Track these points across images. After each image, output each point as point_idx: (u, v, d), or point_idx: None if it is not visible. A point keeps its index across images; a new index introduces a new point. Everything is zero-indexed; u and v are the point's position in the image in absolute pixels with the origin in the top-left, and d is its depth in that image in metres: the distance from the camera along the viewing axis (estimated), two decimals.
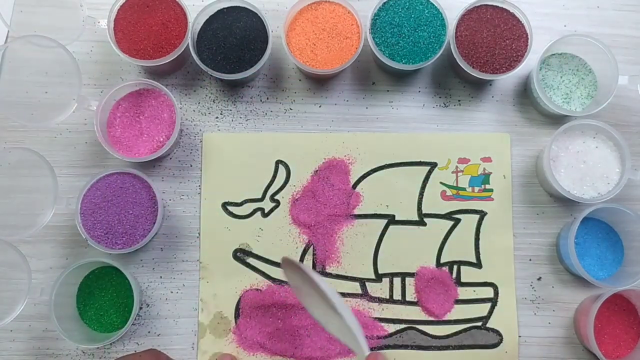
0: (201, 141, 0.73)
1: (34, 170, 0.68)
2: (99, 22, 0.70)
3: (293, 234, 0.71)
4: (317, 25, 0.70)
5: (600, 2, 0.76)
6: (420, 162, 0.72)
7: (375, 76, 0.75)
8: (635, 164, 0.72)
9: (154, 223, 0.68)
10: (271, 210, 0.72)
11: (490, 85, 0.75)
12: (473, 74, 0.69)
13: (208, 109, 0.74)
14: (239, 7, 0.71)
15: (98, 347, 0.69)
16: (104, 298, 0.69)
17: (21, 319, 0.68)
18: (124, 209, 0.68)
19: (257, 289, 0.70)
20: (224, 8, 0.71)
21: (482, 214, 0.72)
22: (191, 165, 0.73)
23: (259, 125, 0.74)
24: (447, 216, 0.72)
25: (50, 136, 0.73)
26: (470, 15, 0.70)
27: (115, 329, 0.69)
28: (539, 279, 0.71)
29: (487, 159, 0.72)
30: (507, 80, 0.75)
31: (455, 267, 0.71)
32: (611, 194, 0.68)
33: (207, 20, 0.71)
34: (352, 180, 0.72)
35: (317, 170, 0.72)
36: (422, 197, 0.72)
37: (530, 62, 0.70)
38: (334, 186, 0.72)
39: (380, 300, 0.70)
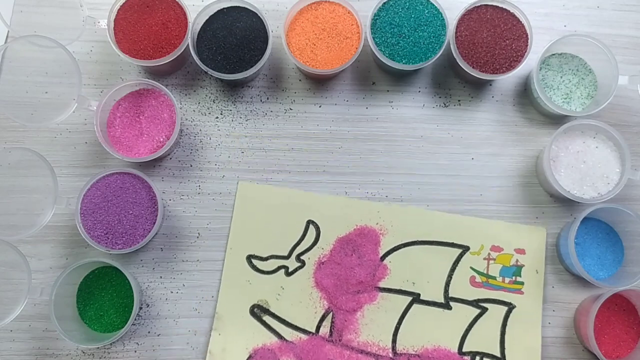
0: (235, 189, 0.71)
1: (34, 170, 0.68)
2: (99, 22, 0.70)
3: (314, 298, 0.69)
4: (317, 25, 0.70)
5: (600, 2, 0.76)
6: (452, 243, 0.70)
7: (375, 76, 0.75)
8: (635, 164, 0.72)
9: (154, 223, 0.68)
10: (295, 270, 0.70)
11: (490, 85, 0.75)
12: (473, 74, 0.69)
13: (208, 109, 0.74)
14: (239, 7, 0.71)
15: (98, 347, 0.69)
16: (104, 298, 0.69)
17: (21, 319, 0.68)
18: (124, 209, 0.68)
19: (268, 349, 0.68)
20: (224, 8, 0.71)
21: (510, 307, 0.69)
22: (191, 165, 0.73)
23: (259, 125, 0.74)
24: (474, 303, 0.69)
25: (50, 136, 0.73)
26: (470, 15, 0.70)
27: (115, 329, 0.69)
28: None
29: (520, 251, 0.70)
30: (507, 80, 0.75)
31: (477, 357, 0.68)
32: (611, 194, 0.68)
33: (207, 20, 0.71)
34: (382, 252, 0.70)
35: (347, 236, 0.70)
36: (450, 280, 0.69)
37: (530, 62, 0.70)
38: (362, 255, 0.70)
39: None
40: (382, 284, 0.69)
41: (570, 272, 0.71)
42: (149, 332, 0.70)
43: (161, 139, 0.70)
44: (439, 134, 0.74)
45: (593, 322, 0.64)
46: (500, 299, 0.69)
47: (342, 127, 0.74)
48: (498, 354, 0.68)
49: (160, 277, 0.71)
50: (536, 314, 0.69)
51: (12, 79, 0.73)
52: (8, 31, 0.74)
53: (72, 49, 0.69)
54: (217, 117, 0.74)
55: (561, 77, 0.72)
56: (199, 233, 0.72)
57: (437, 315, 0.69)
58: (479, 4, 0.70)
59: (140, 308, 0.70)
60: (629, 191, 0.72)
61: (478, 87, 0.75)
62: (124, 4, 0.71)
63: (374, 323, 0.69)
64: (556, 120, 0.74)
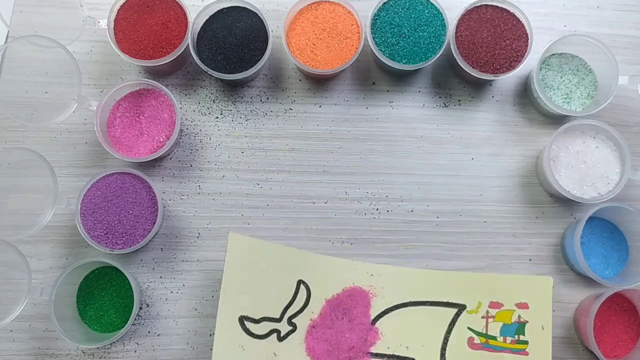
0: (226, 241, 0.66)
1: (34, 170, 0.68)
2: (99, 22, 0.70)
3: None
4: (317, 25, 0.70)
5: (600, 2, 0.76)
6: (447, 302, 0.65)
7: (375, 76, 0.75)
8: (635, 164, 0.72)
9: (154, 223, 0.68)
10: (287, 334, 0.64)
11: (490, 85, 0.75)
12: (473, 74, 0.69)
13: (208, 109, 0.74)
14: (239, 7, 0.71)
15: (98, 347, 0.69)
16: (104, 298, 0.69)
17: (21, 319, 0.68)
18: (124, 209, 0.68)
19: None
20: (224, 8, 0.71)
21: None
22: (191, 165, 0.73)
23: (259, 125, 0.74)
24: None
25: (50, 136, 0.73)
26: (470, 15, 0.70)
27: (115, 329, 0.69)
28: None
29: (523, 305, 0.64)
30: (507, 80, 0.75)
31: None
32: (611, 194, 0.68)
33: (207, 20, 0.71)
34: (373, 315, 0.65)
35: (337, 298, 0.66)
36: (446, 343, 0.64)
37: (530, 62, 0.70)
38: (352, 318, 0.65)
39: None
40: (373, 349, 0.65)
41: (574, 271, 0.71)
42: (149, 332, 0.70)
43: (161, 139, 0.70)
44: (439, 134, 0.74)
45: (593, 320, 0.64)
46: None
47: (342, 127, 0.74)
48: None
49: (160, 277, 0.71)
50: None
51: (12, 79, 0.73)
52: (8, 31, 0.74)
53: (72, 49, 0.69)
54: (217, 117, 0.74)
55: (561, 77, 0.72)
56: (199, 233, 0.72)
57: None
58: (479, 4, 0.70)
59: (140, 308, 0.70)
60: (629, 191, 0.72)
61: (478, 87, 0.75)
62: (124, 4, 0.71)
63: None
64: (556, 120, 0.74)
